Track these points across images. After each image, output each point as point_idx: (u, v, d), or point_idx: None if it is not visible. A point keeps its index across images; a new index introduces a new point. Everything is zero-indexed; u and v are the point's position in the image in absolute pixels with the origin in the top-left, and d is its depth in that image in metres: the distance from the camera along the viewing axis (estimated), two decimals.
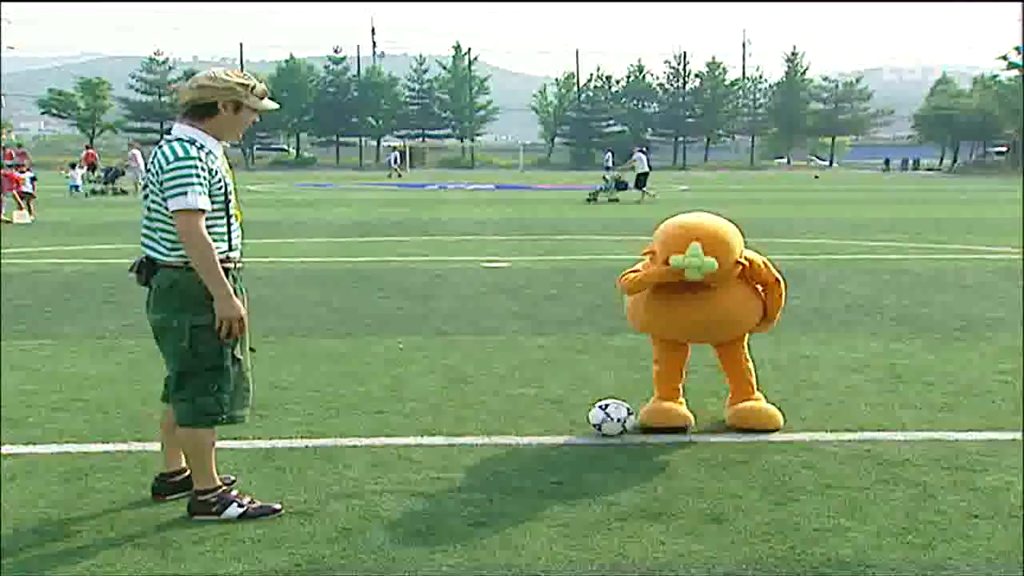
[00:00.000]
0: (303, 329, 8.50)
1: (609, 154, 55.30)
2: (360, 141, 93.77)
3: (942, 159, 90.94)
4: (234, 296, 3.93)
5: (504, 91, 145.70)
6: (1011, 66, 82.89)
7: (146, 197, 3.98)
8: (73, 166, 34.65)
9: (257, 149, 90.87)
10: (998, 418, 5.64)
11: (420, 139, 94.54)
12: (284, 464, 4.82)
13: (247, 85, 4.01)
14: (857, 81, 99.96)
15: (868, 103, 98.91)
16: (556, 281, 11.32)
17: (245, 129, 4.14)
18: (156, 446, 5.06)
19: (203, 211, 3.83)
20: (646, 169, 30.61)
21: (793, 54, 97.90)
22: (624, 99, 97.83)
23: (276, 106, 4.24)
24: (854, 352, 7.52)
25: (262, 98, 4.09)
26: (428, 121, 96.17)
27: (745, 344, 5.65)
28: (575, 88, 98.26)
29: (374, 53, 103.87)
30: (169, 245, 3.92)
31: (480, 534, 3.95)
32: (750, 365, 5.63)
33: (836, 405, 5.94)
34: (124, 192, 33.27)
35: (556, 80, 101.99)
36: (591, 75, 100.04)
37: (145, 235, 4.00)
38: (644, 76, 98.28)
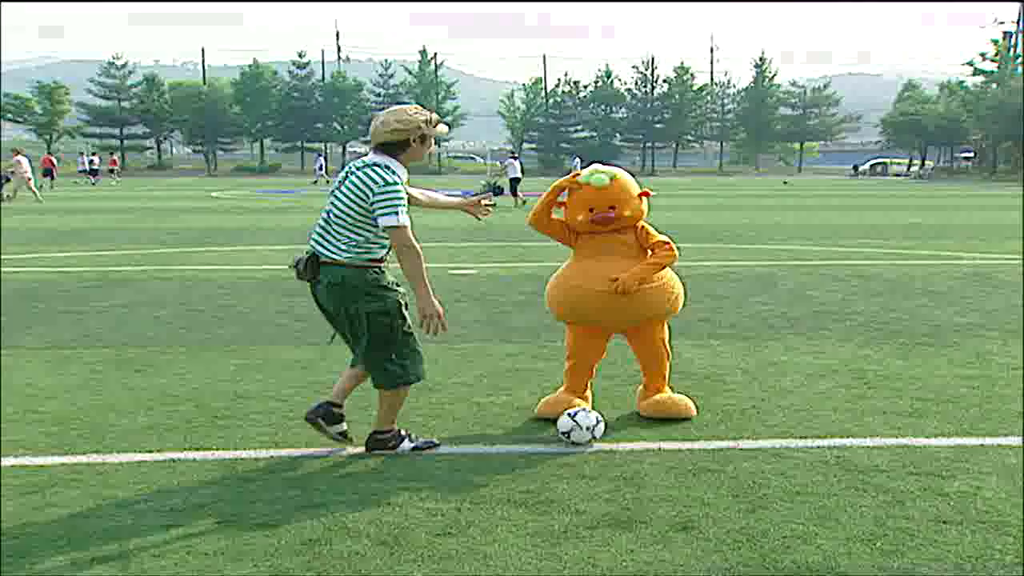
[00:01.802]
0: (266, 338, 8.45)
1: (577, 160, 55.55)
2: (325, 147, 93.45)
3: (910, 165, 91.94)
4: (432, 295, 4.86)
5: (471, 97, 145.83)
6: (976, 72, 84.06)
7: (333, 204, 4.90)
8: None
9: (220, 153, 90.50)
10: (966, 424, 5.71)
11: None
12: (248, 475, 4.79)
13: (428, 120, 4.96)
14: (825, 87, 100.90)
15: (836, 109, 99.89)
16: (524, 288, 11.34)
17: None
18: (116, 458, 5.03)
19: (406, 227, 4.77)
20: (518, 175, 32.87)
21: (761, 59, 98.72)
22: (592, 104, 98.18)
23: (447, 129, 5.25)
24: (823, 358, 7.58)
25: (436, 126, 5.01)
26: None
27: (662, 335, 5.88)
28: (543, 93, 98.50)
29: (339, 58, 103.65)
30: (344, 247, 4.85)
31: (447, 544, 3.94)
32: (666, 359, 5.91)
33: (805, 412, 5.98)
34: (9, 198, 33.00)
35: (524, 85, 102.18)
36: (559, 80, 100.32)
37: (320, 236, 4.92)
38: (612, 81, 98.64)
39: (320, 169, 59.94)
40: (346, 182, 4.89)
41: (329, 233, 4.90)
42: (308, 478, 4.77)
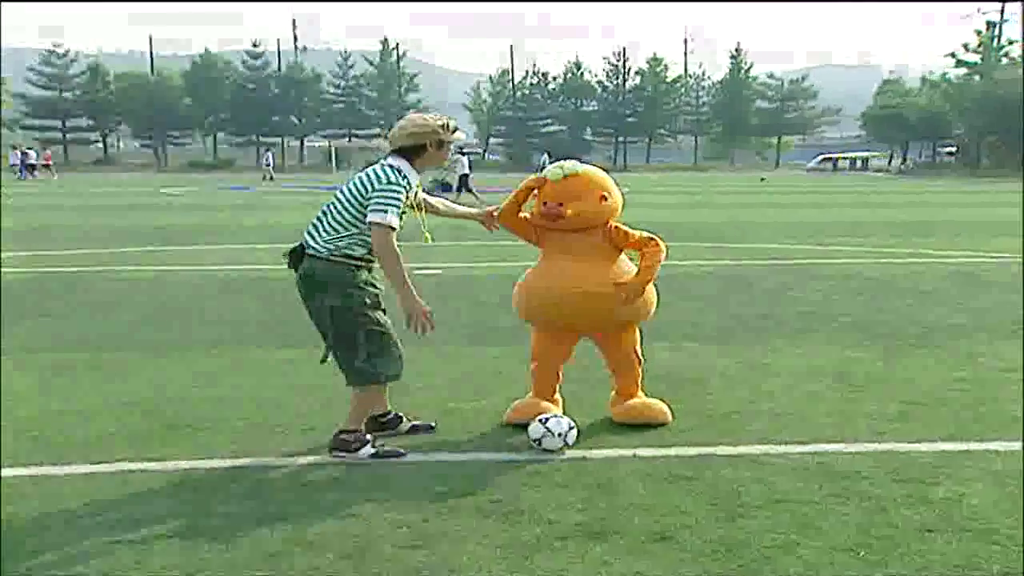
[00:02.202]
0: (233, 340, 8.41)
1: (545, 155, 55.65)
2: (282, 141, 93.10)
3: (891, 159, 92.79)
4: (415, 295, 5.09)
5: (435, 89, 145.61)
6: (959, 64, 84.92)
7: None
8: None
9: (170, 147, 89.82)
10: (953, 428, 5.78)
11: (347, 139, 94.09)
12: (207, 485, 4.77)
13: (445, 126, 5.23)
14: (803, 79, 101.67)
15: (815, 101, 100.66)
16: (492, 288, 11.34)
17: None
18: (67, 469, 4.98)
19: (394, 229, 4.99)
20: (467, 171, 33.57)
21: (737, 51, 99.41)
22: (561, 97, 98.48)
23: (464, 136, 5.54)
24: (808, 360, 7.65)
25: (454, 132, 5.29)
26: (355, 120, 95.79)
27: (634, 338, 5.94)
28: (510, 86, 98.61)
29: (295, 47, 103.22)
30: (325, 240, 5.07)
31: (414, 557, 3.94)
32: (639, 363, 5.97)
33: (788, 416, 6.04)
34: None
35: (490, 77, 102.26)
36: (527, 72, 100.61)
37: (311, 226, 5.13)
38: (582, 73, 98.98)
39: (268, 165, 59.17)
40: (354, 177, 5.16)
41: (318, 225, 5.13)
42: (268, 488, 4.75)
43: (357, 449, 5.23)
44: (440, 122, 5.24)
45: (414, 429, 5.71)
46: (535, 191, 5.79)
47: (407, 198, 5.12)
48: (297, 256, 5.17)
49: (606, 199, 5.70)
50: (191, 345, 8.20)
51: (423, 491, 4.71)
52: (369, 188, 5.03)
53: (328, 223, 5.11)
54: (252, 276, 12.72)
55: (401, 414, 5.77)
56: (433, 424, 5.79)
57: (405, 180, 5.08)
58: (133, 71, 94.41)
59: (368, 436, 5.32)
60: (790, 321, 9.47)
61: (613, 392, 6.06)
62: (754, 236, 19.19)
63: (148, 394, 6.54)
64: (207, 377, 7.06)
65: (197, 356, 7.77)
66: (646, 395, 6.02)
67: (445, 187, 34.24)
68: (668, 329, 8.82)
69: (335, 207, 5.12)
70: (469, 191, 32.77)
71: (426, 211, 5.53)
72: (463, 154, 34.13)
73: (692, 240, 18.18)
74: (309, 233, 5.17)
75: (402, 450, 5.32)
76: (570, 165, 5.74)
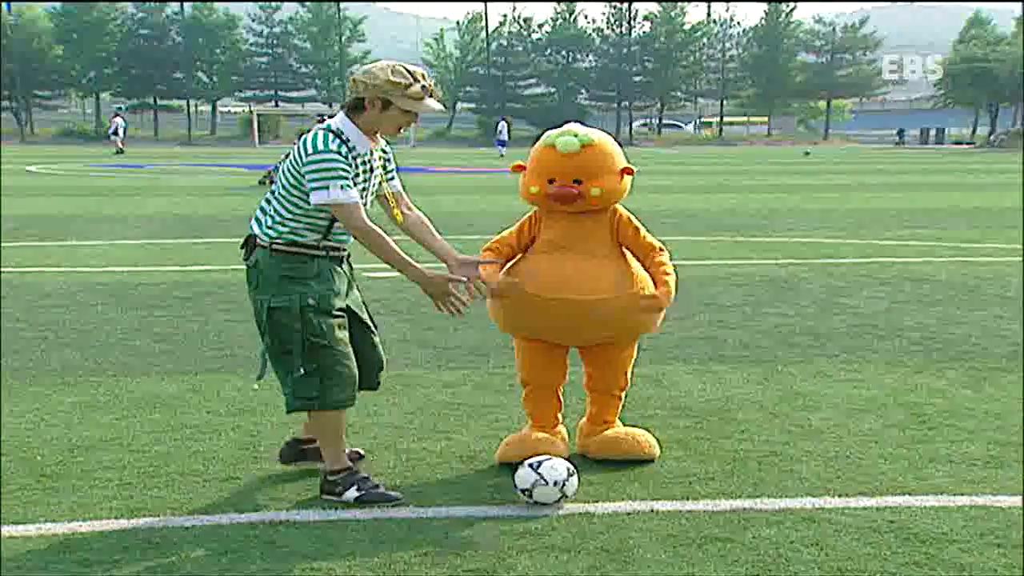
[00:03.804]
0: (116, 366, 8.36)
1: (504, 124, 55.98)
2: (188, 106, 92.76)
3: (975, 129, 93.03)
4: (425, 271, 5.24)
5: (385, 39, 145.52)
6: None
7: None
8: None
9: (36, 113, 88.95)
10: None
11: (272, 102, 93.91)
12: (90, 556, 4.72)
13: (399, 84, 5.13)
14: (861, 24, 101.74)
15: (876, 54, 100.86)
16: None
17: (403, 128, 5.36)
18: None
19: (355, 204, 5.10)
20: None
21: None
22: (549, 50, 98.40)
23: (439, 108, 5.40)
24: (865, 388, 7.68)
25: (419, 99, 5.20)
26: (283, 78, 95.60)
27: (632, 356, 6.07)
28: (483, 35, 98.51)
29: None
30: (269, 225, 5.23)
31: None
32: (626, 386, 6.10)
33: (844, 460, 6.05)
34: None
35: (457, 24, 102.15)
36: (504, 17, 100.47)
37: (260, 209, 5.33)
38: (576, 19, 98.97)
39: (116, 134, 58.44)
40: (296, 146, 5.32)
41: (265, 208, 5.34)
42: (171, 557, 4.72)
43: (341, 492, 5.38)
44: (398, 78, 5.17)
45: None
46: (524, 168, 5.81)
47: (351, 165, 5.17)
48: (251, 247, 5.32)
49: (628, 173, 5.77)
50: (64, 372, 8.14)
51: (378, 558, 4.69)
52: (299, 163, 5.17)
53: (273, 205, 5.27)
54: (141, 281, 12.65)
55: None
56: (361, 452, 5.93)
57: (338, 145, 5.14)
58: None
59: (362, 474, 5.46)
60: (841, 337, 9.50)
61: (584, 420, 6.15)
62: (795, 228, 19.26)
63: (5, 437, 6.48)
64: (83, 413, 7.01)
65: (68, 387, 7.72)
66: (623, 423, 6.15)
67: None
68: (688, 346, 8.84)
69: (279, 183, 5.27)
70: None
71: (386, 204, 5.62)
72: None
73: (716, 233, 18.23)
74: (256, 219, 5.33)
75: (396, 494, 5.43)
76: (584, 132, 5.73)
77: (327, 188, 5.05)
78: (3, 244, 16.03)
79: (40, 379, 7.88)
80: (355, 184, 5.20)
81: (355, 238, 5.23)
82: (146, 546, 4.83)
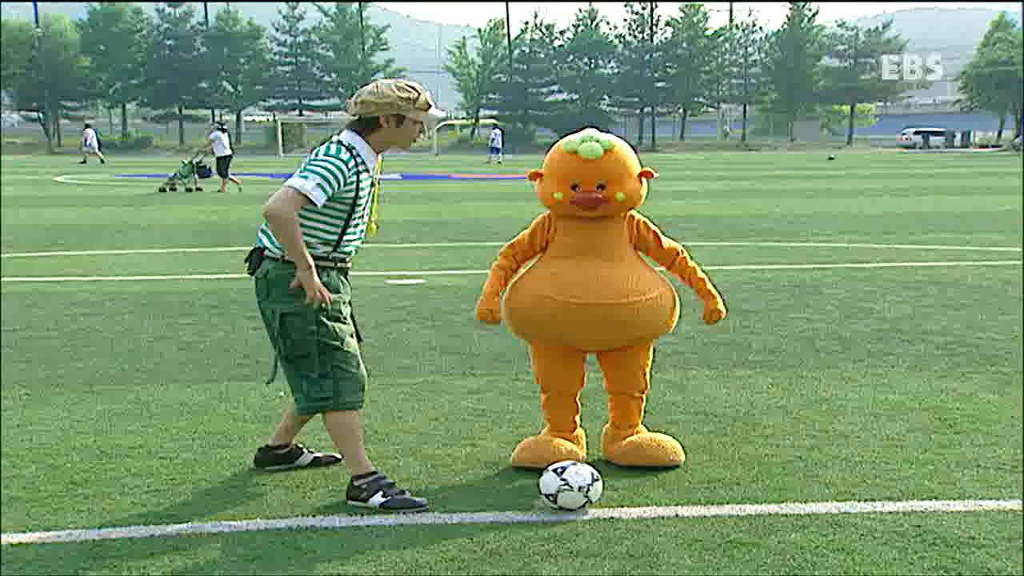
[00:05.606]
0: (144, 374, 8.41)
1: (497, 132, 56.08)
2: (213, 115, 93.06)
3: (1000, 132, 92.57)
4: (310, 263, 5.23)
5: (411, 47, 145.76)
6: None
7: None
8: None
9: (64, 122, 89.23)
10: None
11: (296, 111, 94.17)
12: (119, 561, 4.76)
13: (409, 98, 5.36)
14: (885, 27, 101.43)
15: (900, 57, 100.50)
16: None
17: (415, 140, 5.59)
18: None
19: (308, 199, 5.17)
20: (228, 152, 33.42)
21: None
22: (571, 57, 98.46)
23: (443, 115, 5.85)
24: (889, 392, 7.67)
25: (427, 109, 5.44)
26: (307, 87, 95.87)
27: (648, 359, 6.08)
28: (505, 43, 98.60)
29: None
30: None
31: None
32: (647, 390, 6.13)
33: (869, 465, 6.04)
34: None
35: (479, 31, 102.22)
36: (526, 24, 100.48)
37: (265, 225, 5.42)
38: (598, 26, 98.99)
39: (89, 144, 57.95)
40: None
41: None
42: (203, 563, 4.74)
43: (367, 498, 5.43)
44: (406, 93, 5.39)
45: (316, 462, 6.08)
46: (541, 175, 5.83)
47: (344, 178, 5.29)
48: (257, 259, 5.48)
49: (647, 177, 5.82)
50: (88, 383, 8.18)
51: (404, 564, 4.70)
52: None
53: None
54: (168, 290, 12.70)
55: (301, 445, 6.10)
56: (339, 456, 5.93)
57: (347, 156, 5.33)
58: (10, 21, 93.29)
59: (387, 480, 5.50)
60: (866, 342, 9.48)
61: (608, 425, 6.16)
62: (820, 232, 19.21)
63: (33, 445, 6.52)
64: (111, 421, 7.05)
65: (96, 395, 7.76)
66: (648, 428, 6.17)
67: (205, 172, 34.21)
68: (712, 352, 8.83)
69: None
70: (226, 177, 32.81)
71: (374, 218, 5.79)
72: (222, 130, 34.11)
73: (740, 238, 18.20)
74: (263, 230, 5.44)
75: (421, 499, 5.46)
76: (606, 138, 5.76)
77: (306, 177, 5.21)
78: (34, 254, 16.14)
79: (69, 387, 7.94)
80: (359, 198, 5.40)
81: (268, 215, 5.23)
82: (174, 552, 4.86)
